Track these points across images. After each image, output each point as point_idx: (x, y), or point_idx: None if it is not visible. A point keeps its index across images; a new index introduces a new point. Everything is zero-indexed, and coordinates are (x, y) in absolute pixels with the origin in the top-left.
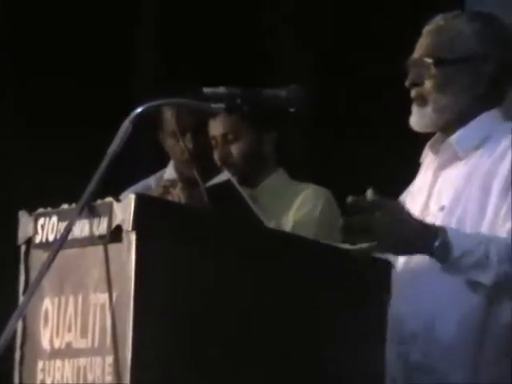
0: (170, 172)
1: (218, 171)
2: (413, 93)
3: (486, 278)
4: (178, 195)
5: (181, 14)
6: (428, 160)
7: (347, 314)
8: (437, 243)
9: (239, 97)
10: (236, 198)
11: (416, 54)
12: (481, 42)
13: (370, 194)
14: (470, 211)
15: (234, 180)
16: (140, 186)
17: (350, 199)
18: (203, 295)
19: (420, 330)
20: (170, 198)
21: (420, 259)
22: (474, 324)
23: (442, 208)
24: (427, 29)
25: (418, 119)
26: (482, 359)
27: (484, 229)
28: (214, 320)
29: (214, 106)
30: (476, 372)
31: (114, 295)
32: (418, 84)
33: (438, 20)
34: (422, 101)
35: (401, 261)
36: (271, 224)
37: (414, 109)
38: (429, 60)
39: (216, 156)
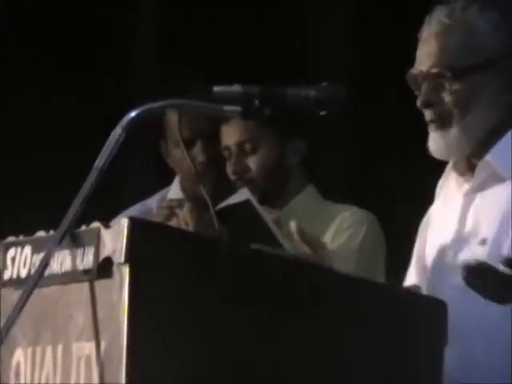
0: (175, 190)
1: (232, 188)
2: (428, 114)
3: None
4: (185, 218)
5: (181, 14)
6: (451, 182)
7: (395, 355)
8: None
9: (258, 97)
10: (256, 223)
11: (422, 66)
12: (500, 37)
13: None
14: None
15: (254, 200)
16: (137, 209)
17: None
18: (211, 343)
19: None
20: (175, 221)
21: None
22: None
23: (483, 242)
24: (430, 31)
25: (441, 145)
26: None
27: None
28: (226, 371)
29: (227, 108)
30: None
31: (103, 345)
32: (433, 103)
33: (442, 18)
34: (443, 123)
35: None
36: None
37: (434, 134)
38: (446, 73)
39: (229, 170)
